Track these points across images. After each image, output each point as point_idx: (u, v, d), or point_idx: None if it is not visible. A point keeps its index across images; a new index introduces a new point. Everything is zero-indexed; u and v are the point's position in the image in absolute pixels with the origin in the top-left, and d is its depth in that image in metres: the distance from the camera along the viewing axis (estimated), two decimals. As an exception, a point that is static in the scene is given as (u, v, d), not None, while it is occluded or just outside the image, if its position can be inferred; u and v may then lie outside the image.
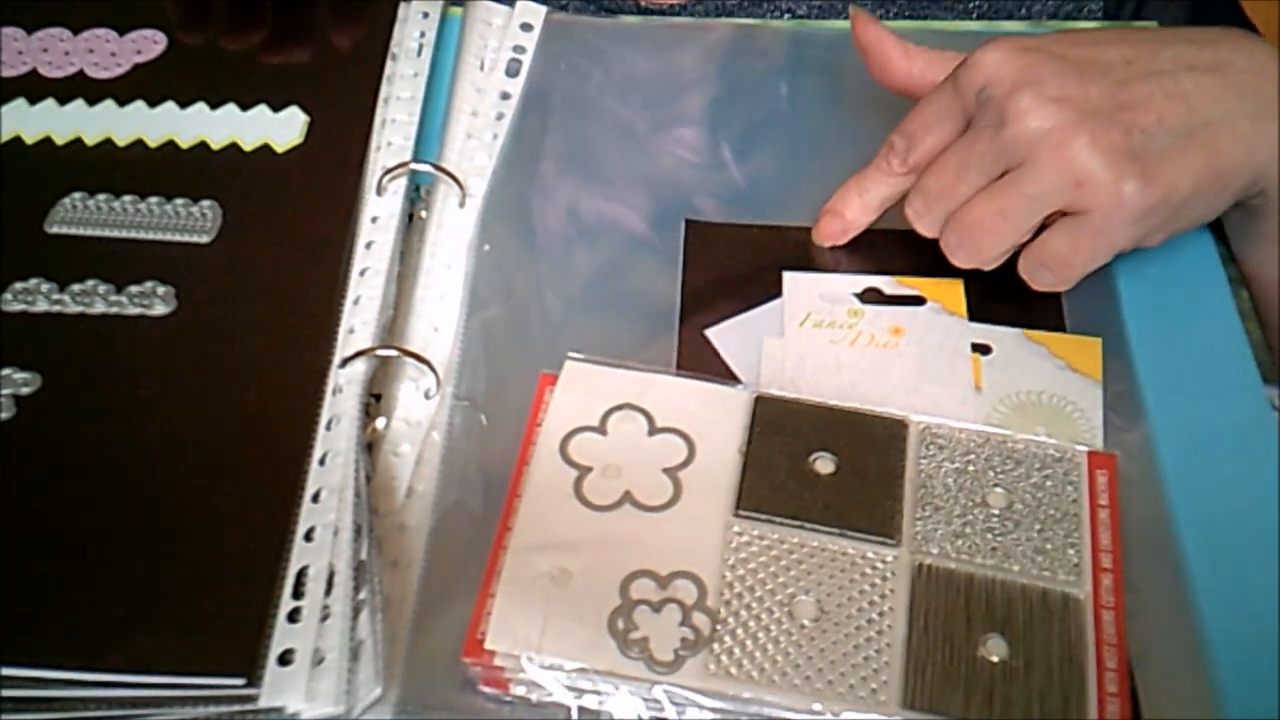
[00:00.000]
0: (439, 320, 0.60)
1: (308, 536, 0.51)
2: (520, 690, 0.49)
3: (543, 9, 0.73)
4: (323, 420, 0.55)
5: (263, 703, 0.47)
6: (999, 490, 0.52)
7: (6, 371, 0.57)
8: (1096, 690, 0.48)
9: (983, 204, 0.56)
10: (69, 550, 0.51)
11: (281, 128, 0.67)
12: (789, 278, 0.61)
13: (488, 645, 0.48)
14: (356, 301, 0.59)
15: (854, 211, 0.62)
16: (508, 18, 0.73)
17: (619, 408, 0.55)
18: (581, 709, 0.49)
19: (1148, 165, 0.54)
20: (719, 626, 0.49)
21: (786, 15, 0.77)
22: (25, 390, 0.56)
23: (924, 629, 0.49)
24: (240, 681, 0.47)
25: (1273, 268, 0.63)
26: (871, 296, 0.60)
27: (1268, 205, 0.59)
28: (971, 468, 0.53)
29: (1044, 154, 0.54)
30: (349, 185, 0.64)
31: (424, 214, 0.64)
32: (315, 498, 0.53)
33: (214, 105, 0.68)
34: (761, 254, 0.62)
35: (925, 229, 0.60)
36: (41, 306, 0.59)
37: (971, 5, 0.78)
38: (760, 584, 0.50)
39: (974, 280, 0.60)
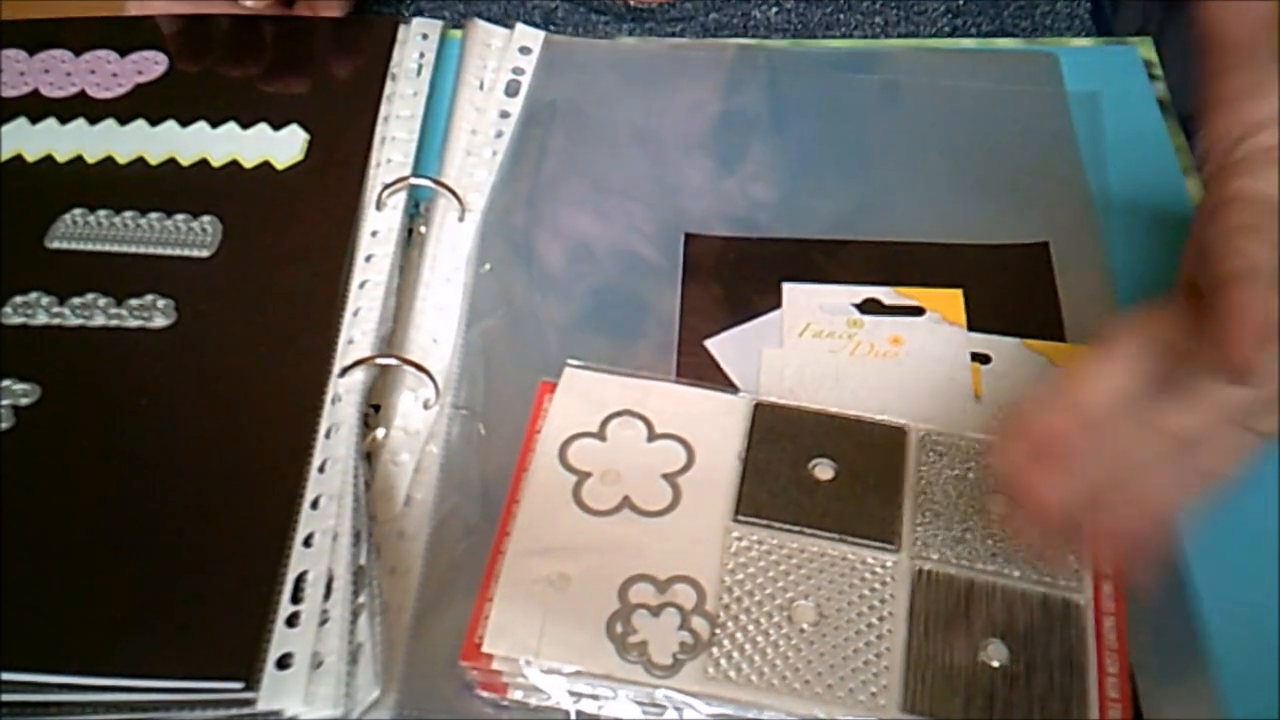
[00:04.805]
0: (438, 332, 0.60)
1: (307, 542, 0.51)
2: (518, 694, 0.49)
3: (541, 33, 0.73)
4: (322, 428, 0.55)
5: (261, 706, 0.47)
6: (999, 496, 0.52)
7: (6, 383, 0.57)
8: (1098, 696, 0.48)
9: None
10: (68, 557, 0.51)
11: (282, 145, 0.67)
12: (788, 289, 0.61)
13: (485, 649, 0.48)
14: (356, 313, 0.60)
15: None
16: (506, 40, 0.73)
17: (618, 414, 0.55)
18: (580, 713, 0.48)
19: None
20: (718, 630, 0.49)
21: (774, 9, 0.77)
22: (25, 401, 0.56)
23: (924, 634, 0.49)
24: (239, 685, 0.47)
25: None
26: (871, 307, 0.60)
27: None
28: (971, 475, 0.53)
29: None
30: (349, 200, 0.64)
31: (423, 229, 0.65)
32: (314, 504, 0.53)
33: (215, 124, 0.68)
34: (760, 266, 0.62)
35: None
36: (41, 319, 0.59)
37: (967, 23, 0.79)
38: (759, 588, 0.50)
39: (973, 290, 0.60)
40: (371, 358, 0.57)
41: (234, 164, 0.66)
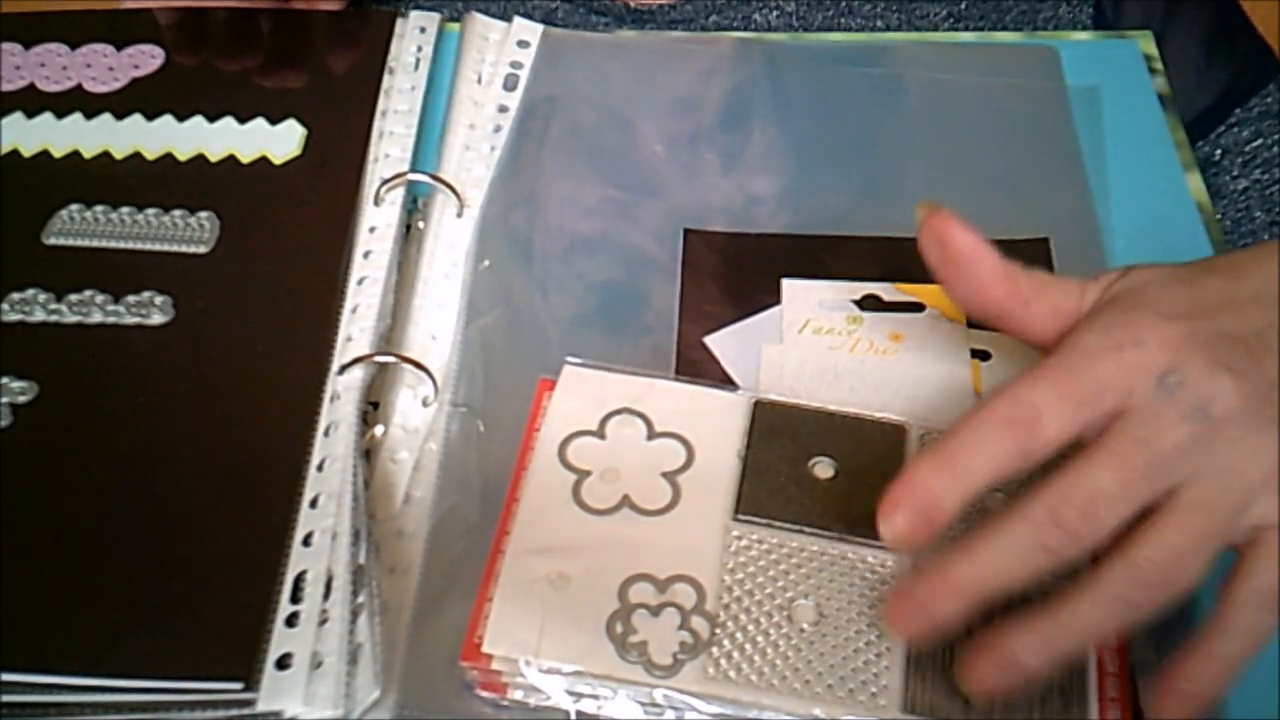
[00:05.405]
0: (437, 328, 0.60)
1: (306, 541, 0.51)
2: (518, 694, 0.49)
3: (539, 27, 0.73)
4: (320, 426, 0.55)
5: (260, 707, 0.47)
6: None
7: (4, 380, 0.57)
8: (1098, 696, 0.48)
9: (1180, 529, 0.45)
10: (66, 556, 0.51)
11: (279, 140, 0.67)
12: (788, 285, 0.61)
13: (485, 649, 0.48)
14: (354, 310, 0.59)
15: (953, 505, 0.46)
16: (505, 33, 0.73)
17: (618, 412, 0.55)
18: (579, 713, 0.48)
19: None
20: (718, 630, 0.49)
21: (774, 13, 0.77)
22: (22, 399, 0.56)
23: (924, 633, 0.49)
24: (238, 686, 0.47)
25: None
26: (870, 303, 0.60)
27: None
28: (971, 473, 0.53)
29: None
30: (346, 196, 0.64)
31: (421, 225, 0.64)
32: (313, 503, 0.53)
33: (212, 118, 0.68)
34: (760, 262, 0.62)
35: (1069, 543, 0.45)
36: (39, 316, 0.59)
37: (969, 27, 0.79)
38: (759, 588, 0.50)
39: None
40: (370, 355, 0.57)
41: (231, 159, 0.66)
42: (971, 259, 0.50)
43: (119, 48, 0.72)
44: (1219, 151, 0.78)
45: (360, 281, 0.61)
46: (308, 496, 0.53)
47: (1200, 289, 0.49)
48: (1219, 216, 0.77)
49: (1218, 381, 0.46)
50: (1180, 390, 0.46)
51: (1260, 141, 0.77)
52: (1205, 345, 0.46)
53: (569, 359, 0.57)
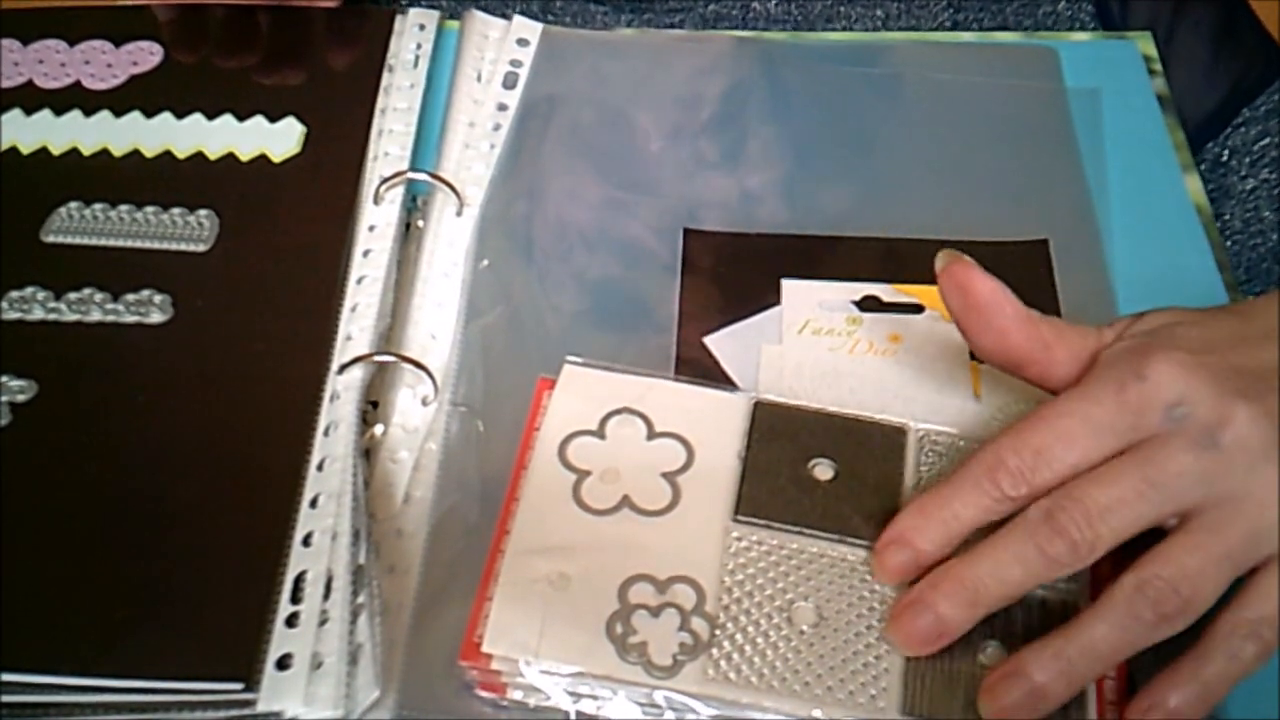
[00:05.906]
0: (436, 328, 0.60)
1: (306, 541, 0.51)
2: (517, 694, 0.49)
3: (539, 25, 0.73)
4: (320, 426, 0.55)
5: (260, 707, 0.47)
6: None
7: (3, 379, 0.56)
8: (1096, 698, 0.48)
9: (1190, 549, 0.46)
10: (66, 556, 0.51)
11: (278, 138, 0.67)
12: (788, 285, 0.61)
13: (485, 648, 0.48)
14: (354, 309, 0.59)
15: (933, 542, 0.49)
16: (504, 31, 0.73)
17: (618, 412, 0.55)
18: (579, 713, 0.48)
19: None
20: (718, 631, 0.49)
21: (773, 0, 0.77)
22: (21, 398, 0.56)
23: (924, 635, 0.49)
24: (238, 686, 0.47)
25: None
26: (870, 304, 0.60)
27: None
28: (970, 474, 0.53)
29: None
30: (346, 194, 0.64)
31: (421, 223, 0.64)
32: (313, 503, 0.53)
33: (210, 116, 0.68)
34: (760, 262, 0.62)
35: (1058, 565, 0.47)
36: (38, 315, 0.59)
37: (968, 18, 0.79)
38: (759, 589, 0.50)
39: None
40: (370, 355, 0.57)
41: (230, 156, 0.66)
42: (993, 305, 0.51)
43: (117, 44, 0.72)
44: (1226, 152, 0.78)
45: (360, 280, 0.61)
46: (308, 496, 0.53)
47: (1212, 329, 0.50)
48: (1228, 217, 0.78)
49: (1230, 410, 0.46)
50: (1187, 420, 0.46)
51: (1268, 140, 0.78)
52: (1217, 377, 0.47)
53: (569, 358, 0.57)
